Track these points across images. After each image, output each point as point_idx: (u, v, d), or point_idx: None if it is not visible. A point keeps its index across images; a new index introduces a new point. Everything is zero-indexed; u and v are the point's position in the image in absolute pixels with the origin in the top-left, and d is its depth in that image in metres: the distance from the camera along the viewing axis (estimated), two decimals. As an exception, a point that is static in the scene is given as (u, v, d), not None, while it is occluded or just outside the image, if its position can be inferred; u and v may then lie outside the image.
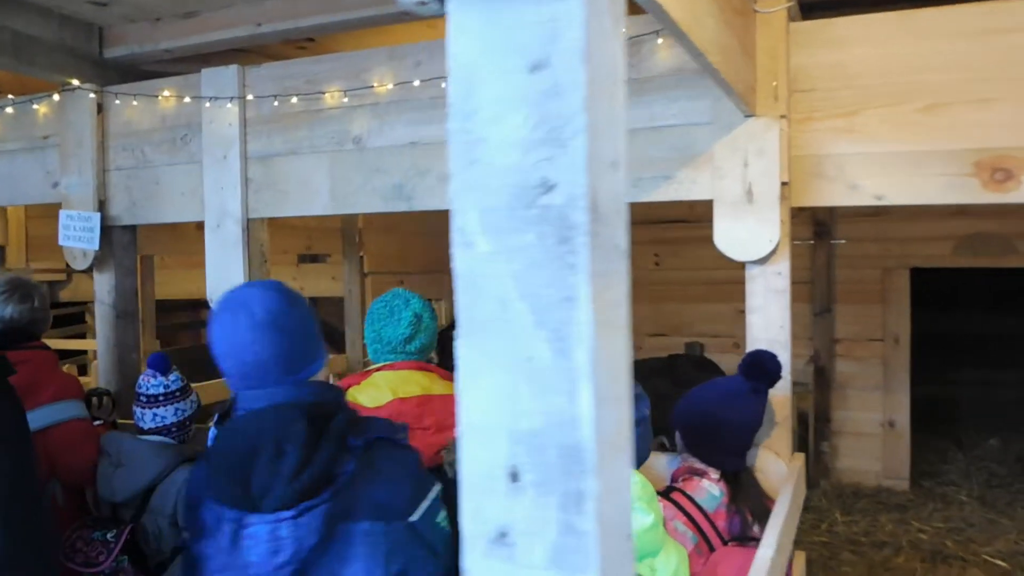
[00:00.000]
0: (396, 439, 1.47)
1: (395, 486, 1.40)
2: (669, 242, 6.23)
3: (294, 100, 2.82)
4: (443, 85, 2.62)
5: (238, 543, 1.32)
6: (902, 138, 2.26)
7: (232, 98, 2.89)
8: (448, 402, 2.36)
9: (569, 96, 0.65)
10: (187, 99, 2.96)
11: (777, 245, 2.28)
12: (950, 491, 5.35)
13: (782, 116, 2.29)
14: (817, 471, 5.55)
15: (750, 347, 2.35)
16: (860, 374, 5.71)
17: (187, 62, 3.28)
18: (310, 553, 1.31)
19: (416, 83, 2.63)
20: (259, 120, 2.92)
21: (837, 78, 2.32)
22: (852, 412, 5.71)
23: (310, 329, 1.50)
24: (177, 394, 2.55)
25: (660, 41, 2.38)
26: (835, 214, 5.71)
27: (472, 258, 0.68)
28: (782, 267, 2.32)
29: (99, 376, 3.27)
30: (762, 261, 2.32)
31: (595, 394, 0.65)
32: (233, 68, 2.92)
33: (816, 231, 5.70)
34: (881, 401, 5.64)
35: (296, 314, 1.47)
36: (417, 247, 5.21)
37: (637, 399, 1.67)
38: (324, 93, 2.81)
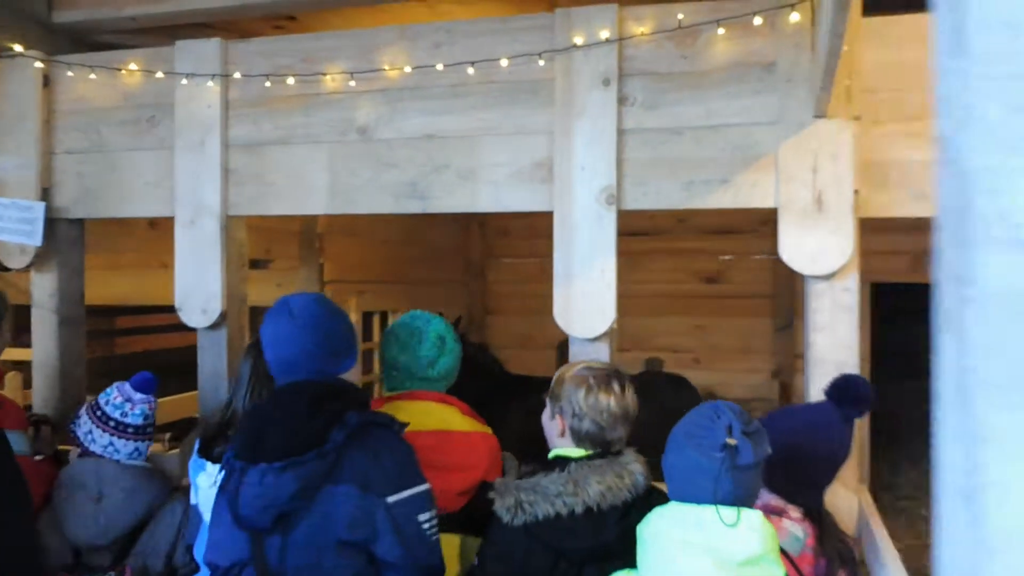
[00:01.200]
0: (394, 429, 1.67)
1: (379, 464, 1.59)
2: (628, 254, 6.05)
3: (290, 81, 2.45)
4: (470, 71, 2.32)
5: (240, 488, 1.58)
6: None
7: (213, 75, 2.50)
8: (471, 440, 2.11)
9: None
10: (159, 74, 2.54)
11: (850, 259, 2.09)
12: (911, 504, 5.38)
13: (856, 118, 2.10)
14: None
15: (813, 370, 2.15)
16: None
17: (150, 35, 2.85)
18: (291, 502, 1.54)
19: (440, 67, 2.32)
20: (244, 102, 2.53)
21: (902, 79, 2.16)
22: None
23: (340, 337, 1.77)
24: (153, 424, 2.15)
25: (721, 32, 2.16)
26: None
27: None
28: (850, 282, 2.13)
29: (34, 397, 2.78)
30: (829, 276, 2.13)
31: None
32: (215, 41, 2.52)
33: (777, 245, 5.65)
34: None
35: (330, 322, 1.75)
36: (379, 255, 4.82)
37: (759, 433, 1.43)
38: (324, 75, 2.45)
